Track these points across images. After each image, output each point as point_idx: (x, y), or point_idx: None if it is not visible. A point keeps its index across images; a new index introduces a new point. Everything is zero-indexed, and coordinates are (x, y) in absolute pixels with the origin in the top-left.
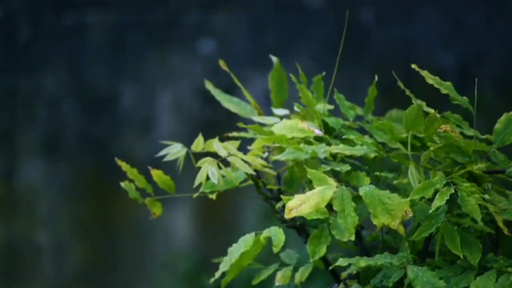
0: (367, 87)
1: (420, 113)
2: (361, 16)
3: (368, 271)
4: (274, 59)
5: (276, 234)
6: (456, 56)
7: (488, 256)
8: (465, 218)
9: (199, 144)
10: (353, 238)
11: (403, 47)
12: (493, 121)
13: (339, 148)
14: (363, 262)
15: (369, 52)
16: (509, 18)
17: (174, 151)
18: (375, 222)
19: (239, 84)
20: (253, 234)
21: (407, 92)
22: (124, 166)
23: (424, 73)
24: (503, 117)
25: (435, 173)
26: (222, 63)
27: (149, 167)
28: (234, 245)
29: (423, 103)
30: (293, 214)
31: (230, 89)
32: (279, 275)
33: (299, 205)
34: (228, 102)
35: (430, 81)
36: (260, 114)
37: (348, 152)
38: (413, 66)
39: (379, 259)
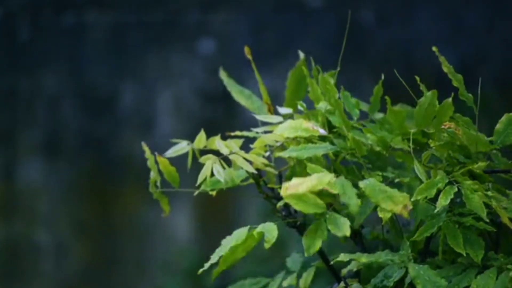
0: (366, 86)
1: (435, 101)
2: (361, 16)
3: (368, 270)
4: (301, 54)
5: (270, 229)
6: (457, 56)
7: (488, 254)
8: (466, 217)
9: (201, 140)
10: (348, 233)
11: (403, 47)
12: (493, 121)
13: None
14: (364, 258)
15: (369, 52)
16: (509, 17)
17: (179, 148)
18: (381, 214)
19: (257, 75)
20: (247, 228)
21: (423, 87)
22: (146, 150)
23: (442, 59)
24: (504, 118)
25: (436, 171)
26: (247, 50)
27: (156, 153)
28: (227, 237)
29: (435, 91)
30: (290, 192)
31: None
32: (285, 284)
33: (296, 185)
34: (239, 94)
35: (445, 69)
36: (270, 111)
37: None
38: (434, 49)
39: (381, 256)
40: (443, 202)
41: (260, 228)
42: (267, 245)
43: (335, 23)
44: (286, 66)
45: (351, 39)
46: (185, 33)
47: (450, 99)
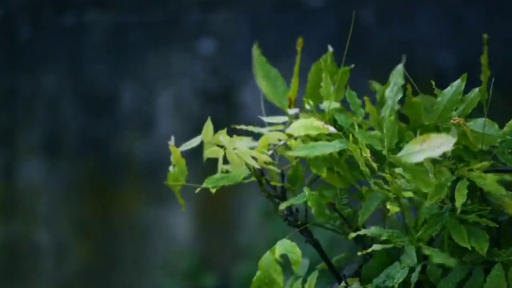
0: (366, 86)
1: (461, 88)
2: (361, 16)
3: (369, 270)
4: (330, 49)
5: (291, 249)
6: (456, 56)
7: (490, 251)
8: (469, 215)
9: (208, 132)
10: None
11: (403, 47)
12: (493, 120)
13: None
14: (377, 231)
15: (369, 52)
16: (509, 17)
17: (192, 141)
18: (389, 207)
19: (297, 68)
20: (268, 255)
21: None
22: (171, 143)
23: (485, 48)
24: None
25: (440, 170)
26: (299, 42)
27: (170, 142)
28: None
29: (465, 75)
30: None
31: (230, 89)
32: None
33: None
34: (264, 78)
35: (483, 61)
36: (290, 105)
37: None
38: (484, 36)
39: (393, 234)
40: (460, 200)
41: (280, 249)
42: (295, 267)
43: (335, 23)
44: (286, 66)
45: (351, 38)
46: (185, 33)
47: (477, 89)
